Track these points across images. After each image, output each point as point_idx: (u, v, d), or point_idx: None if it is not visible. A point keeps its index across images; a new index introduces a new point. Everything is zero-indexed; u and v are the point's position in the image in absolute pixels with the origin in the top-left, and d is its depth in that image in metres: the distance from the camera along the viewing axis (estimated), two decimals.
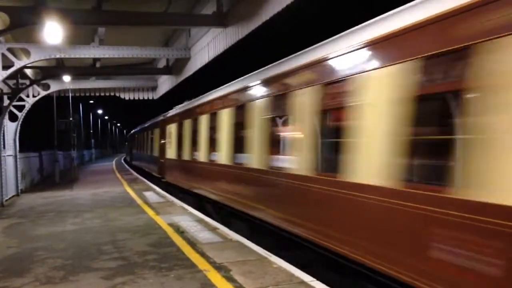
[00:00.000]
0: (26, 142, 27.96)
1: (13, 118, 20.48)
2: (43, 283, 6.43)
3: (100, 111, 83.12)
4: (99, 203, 15.00)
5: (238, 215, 10.18)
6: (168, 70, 23.63)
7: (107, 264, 7.28)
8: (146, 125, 30.11)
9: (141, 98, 29.76)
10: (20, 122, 20.63)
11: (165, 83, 26.48)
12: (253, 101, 9.06)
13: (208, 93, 14.02)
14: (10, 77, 16.59)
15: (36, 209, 14.35)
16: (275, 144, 8.10)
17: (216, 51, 15.80)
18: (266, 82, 8.64)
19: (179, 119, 17.06)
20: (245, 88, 9.71)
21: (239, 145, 9.83)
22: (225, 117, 10.98)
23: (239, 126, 9.90)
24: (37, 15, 11.95)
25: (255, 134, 8.86)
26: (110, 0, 13.81)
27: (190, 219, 11.08)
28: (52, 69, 22.26)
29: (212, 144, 12.07)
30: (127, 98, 29.37)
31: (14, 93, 19.52)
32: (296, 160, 7.08)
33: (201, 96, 14.89)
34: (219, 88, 12.70)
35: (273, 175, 7.92)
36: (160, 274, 6.54)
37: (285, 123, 7.75)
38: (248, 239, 8.67)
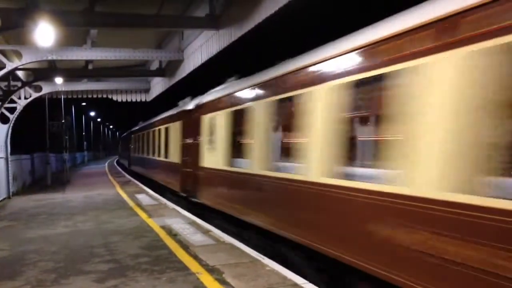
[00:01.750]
0: (18, 144, 27.75)
1: (4, 120, 20.34)
2: (34, 286, 6.38)
3: (92, 113, 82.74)
4: (91, 206, 14.92)
5: None
6: (161, 72, 23.62)
7: (99, 267, 7.24)
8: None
9: (133, 100, 29.70)
10: (11, 124, 20.50)
11: (158, 85, 26.45)
12: None
13: None
14: (1, 79, 16.53)
15: (28, 212, 14.24)
16: None
17: (209, 53, 15.82)
18: None
19: None
20: None
21: None
22: None
23: None
24: (29, 16, 11.91)
25: None
26: (102, 1, 13.79)
27: (183, 222, 11.05)
28: (44, 71, 22.16)
29: None
30: (119, 100, 29.30)
31: (6, 95, 19.41)
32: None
33: None
34: None
35: None
36: (152, 277, 6.52)
37: None
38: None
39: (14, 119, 20.89)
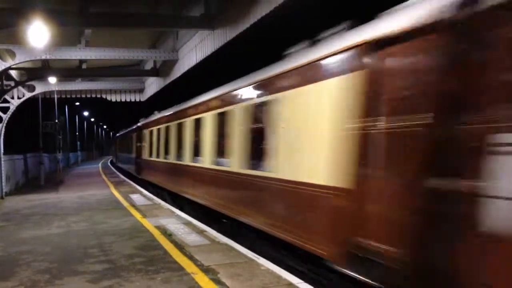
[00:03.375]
0: (11, 144, 27.57)
1: None
2: (28, 287, 6.34)
3: (86, 113, 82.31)
4: (85, 206, 14.85)
5: None
6: (156, 72, 23.53)
7: (93, 267, 7.20)
8: None
9: (128, 100, 29.59)
10: (4, 124, 20.36)
11: (152, 85, 26.36)
12: None
13: None
14: None
15: (21, 212, 14.15)
16: None
17: (204, 53, 15.78)
18: None
19: None
20: None
21: None
22: None
23: None
24: (22, 16, 11.83)
25: None
26: (96, 1, 13.73)
27: (177, 222, 11.03)
28: (37, 71, 22.03)
29: None
30: (113, 100, 29.18)
31: None
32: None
33: None
34: None
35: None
36: (147, 277, 6.49)
37: None
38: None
39: (7, 119, 20.75)
